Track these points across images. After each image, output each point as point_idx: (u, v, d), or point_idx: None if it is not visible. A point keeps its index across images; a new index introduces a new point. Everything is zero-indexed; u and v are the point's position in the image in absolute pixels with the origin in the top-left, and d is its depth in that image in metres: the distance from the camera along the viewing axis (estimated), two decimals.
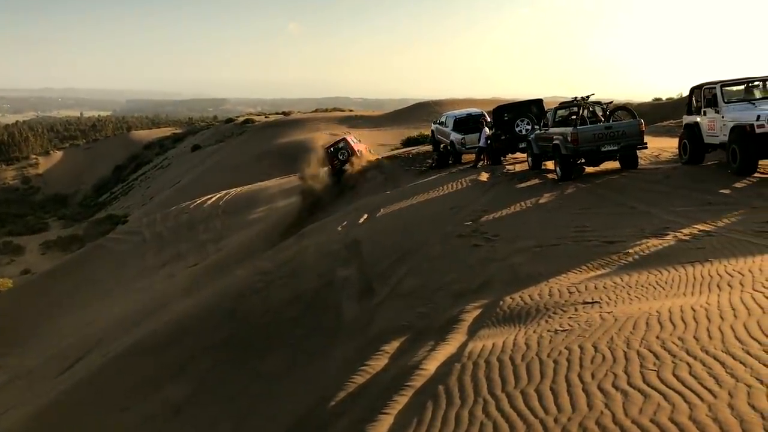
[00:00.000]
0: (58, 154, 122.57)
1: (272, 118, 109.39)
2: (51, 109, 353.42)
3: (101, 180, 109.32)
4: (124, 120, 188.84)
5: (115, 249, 44.66)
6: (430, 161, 25.64)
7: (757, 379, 3.92)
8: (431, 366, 5.65)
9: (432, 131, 26.39)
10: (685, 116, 15.37)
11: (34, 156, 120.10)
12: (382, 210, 17.47)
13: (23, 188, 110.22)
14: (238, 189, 49.28)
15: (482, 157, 21.70)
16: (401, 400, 5.08)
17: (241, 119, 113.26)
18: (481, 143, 21.48)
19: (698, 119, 14.41)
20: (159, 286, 27.95)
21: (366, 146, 31.73)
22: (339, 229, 16.42)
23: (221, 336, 11.18)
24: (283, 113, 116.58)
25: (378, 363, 6.57)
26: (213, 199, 52.51)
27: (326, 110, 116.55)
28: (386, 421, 4.80)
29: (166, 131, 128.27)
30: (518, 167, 19.60)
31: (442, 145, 24.89)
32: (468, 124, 23.18)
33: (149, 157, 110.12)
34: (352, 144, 28.91)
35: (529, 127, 20.03)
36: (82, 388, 13.30)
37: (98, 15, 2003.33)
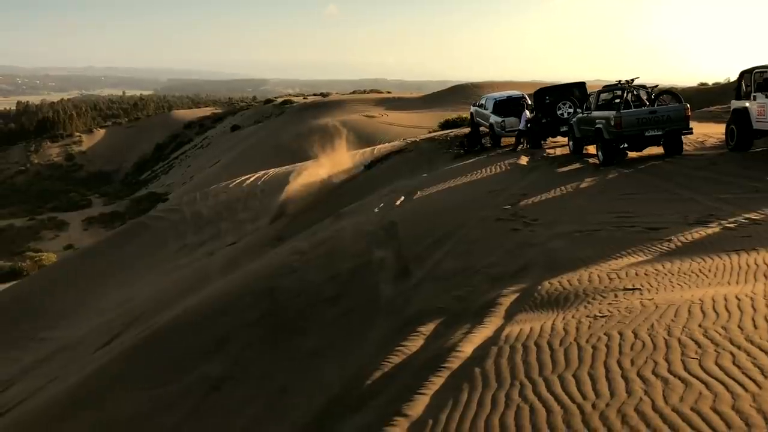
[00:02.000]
0: (100, 132, 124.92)
1: (310, 99, 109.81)
2: (94, 88, 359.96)
3: (142, 158, 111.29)
4: (165, 99, 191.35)
5: (155, 226, 45.47)
6: (459, 145, 25.39)
7: None
8: (467, 348, 5.63)
9: (471, 114, 26.17)
10: (733, 101, 14.97)
11: (77, 134, 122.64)
12: (419, 192, 17.43)
13: (67, 165, 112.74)
14: (277, 169, 49.59)
15: (521, 140, 21.45)
16: (437, 381, 5.07)
17: (280, 100, 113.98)
18: (521, 126, 21.22)
19: (747, 104, 14.02)
20: (198, 264, 28.38)
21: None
22: (376, 210, 16.43)
23: (257, 315, 11.30)
24: (321, 94, 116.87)
25: (414, 344, 6.57)
26: (252, 179, 52.98)
27: (364, 92, 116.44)
28: (422, 401, 4.80)
29: (206, 111, 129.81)
30: (559, 151, 19.35)
31: (481, 128, 24.68)
32: (508, 106, 22.93)
33: (190, 136, 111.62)
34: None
35: (571, 111, 19.72)
36: (121, 362, 13.60)
37: None
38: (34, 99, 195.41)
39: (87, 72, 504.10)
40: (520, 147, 21.35)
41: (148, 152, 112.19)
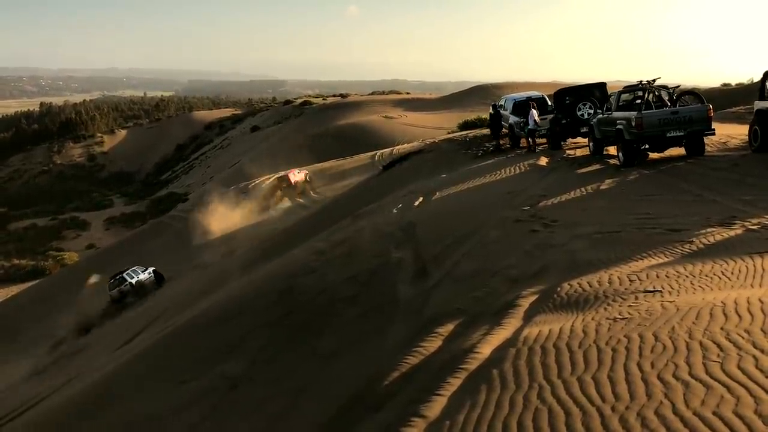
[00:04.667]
0: (122, 133, 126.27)
1: (330, 100, 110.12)
2: (116, 89, 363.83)
3: (163, 158, 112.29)
4: (185, 100, 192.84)
5: (176, 226, 45.77)
6: (487, 145, 25.34)
7: None
8: (486, 350, 5.60)
9: (490, 114, 26.08)
10: (756, 102, 14.79)
11: (99, 134, 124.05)
12: (437, 193, 17.40)
13: (89, 165, 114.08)
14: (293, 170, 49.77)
15: (532, 139, 21.41)
16: (455, 382, 5.05)
17: (300, 101, 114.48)
18: (530, 125, 21.15)
19: None
20: (218, 263, 28.55)
21: (305, 173, 46.57)
22: (394, 211, 16.43)
23: (277, 314, 11.35)
24: (341, 95, 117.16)
25: (432, 345, 6.56)
26: (271, 179, 53.25)
27: (383, 93, 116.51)
28: (440, 402, 4.79)
29: (226, 112, 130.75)
30: (579, 152, 19.23)
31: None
32: (528, 107, 22.83)
33: (210, 137, 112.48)
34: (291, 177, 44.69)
35: (591, 111, 19.59)
36: (142, 360, 13.73)
37: None
38: (58, 100, 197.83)
39: (109, 73, 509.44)
40: (531, 146, 21.26)
41: (169, 153, 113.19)
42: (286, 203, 42.23)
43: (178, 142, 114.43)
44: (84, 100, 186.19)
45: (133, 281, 32.05)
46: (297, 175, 47.05)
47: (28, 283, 50.29)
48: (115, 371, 14.13)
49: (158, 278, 33.37)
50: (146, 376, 12.22)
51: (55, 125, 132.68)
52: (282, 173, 48.00)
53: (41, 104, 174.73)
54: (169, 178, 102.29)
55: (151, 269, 33.69)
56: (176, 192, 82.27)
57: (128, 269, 32.78)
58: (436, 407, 4.73)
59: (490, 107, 26.38)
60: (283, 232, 28.00)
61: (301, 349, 9.40)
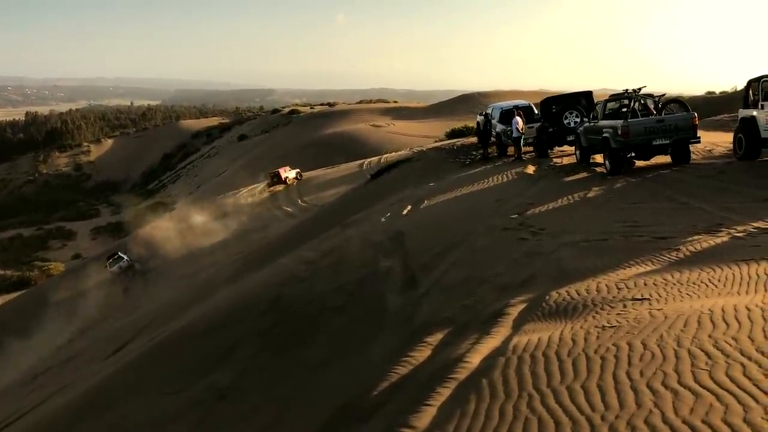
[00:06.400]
0: (108, 142, 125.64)
1: (317, 108, 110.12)
2: (103, 98, 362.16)
3: (150, 168, 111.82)
4: (173, 109, 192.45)
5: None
6: (475, 153, 25.44)
7: None
8: (475, 359, 5.60)
9: (477, 123, 26.18)
10: (741, 110, 14.92)
11: (86, 143, 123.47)
12: (425, 201, 17.43)
13: (75, 175, 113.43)
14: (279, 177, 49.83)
15: (518, 148, 21.50)
16: (444, 392, 5.04)
17: (287, 110, 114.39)
18: (515, 134, 21.23)
19: (755, 113, 13.96)
20: (204, 274, 28.42)
21: (297, 171, 50.99)
22: (383, 220, 16.43)
23: (265, 324, 11.30)
24: (328, 104, 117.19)
25: (421, 354, 6.54)
26: (258, 188, 53.15)
27: (370, 101, 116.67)
28: (429, 412, 4.77)
29: (213, 121, 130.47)
30: (566, 160, 19.32)
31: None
32: (514, 116, 22.97)
33: (197, 146, 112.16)
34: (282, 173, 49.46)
35: (578, 120, 19.71)
36: (130, 370, 13.61)
37: (150, 6, 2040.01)
38: (43, 109, 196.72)
39: (96, 82, 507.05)
40: (518, 155, 21.34)
41: (156, 162, 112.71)
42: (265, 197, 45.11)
43: (165, 151, 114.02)
44: (70, 110, 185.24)
45: (127, 257, 40.24)
46: (288, 172, 50.36)
47: (12, 294, 49.82)
48: (105, 381, 14.00)
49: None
50: (135, 387, 12.11)
51: (40, 134, 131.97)
52: (272, 170, 51.73)
53: (27, 113, 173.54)
54: (156, 187, 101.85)
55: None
56: (163, 201, 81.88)
57: (116, 251, 41.21)
58: (425, 418, 4.71)
59: (477, 115, 26.50)
60: (272, 241, 27.93)
61: (289, 359, 9.36)
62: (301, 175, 50.67)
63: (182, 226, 43.09)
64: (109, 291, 36.53)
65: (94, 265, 42.85)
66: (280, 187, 49.32)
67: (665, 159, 15.62)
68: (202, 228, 41.03)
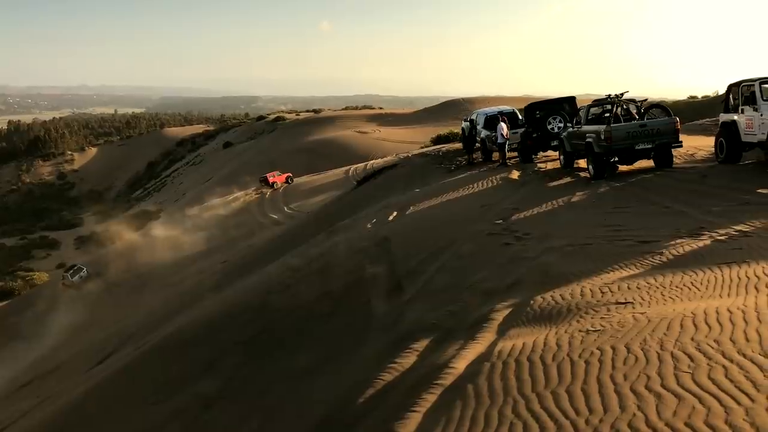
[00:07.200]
0: (93, 151, 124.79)
1: (303, 115, 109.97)
2: (87, 106, 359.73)
3: (135, 176, 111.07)
4: (157, 117, 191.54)
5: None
6: (460, 159, 25.52)
7: None
8: (460, 365, 5.60)
9: (462, 129, 26.26)
10: (721, 114, 15.08)
11: (69, 152, 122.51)
12: (411, 207, 17.44)
13: (59, 184, 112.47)
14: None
15: (502, 153, 21.60)
16: (430, 399, 5.04)
17: (272, 117, 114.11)
18: (499, 139, 21.34)
19: (736, 117, 14.12)
20: (189, 282, 28.26)
21: (285, 175, 52.70)
22: (369, 226, 16.42)
23: (251, 332, 11.25)
24: (314, 111, 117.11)
25: (407, 361, 6.54)
26: (245, 194, 53.00)
27: (356, 108, 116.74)
28: (415, 419, 4.77)
29: (198, 128, 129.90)
30: (550, 165, 19.42)
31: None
32: (498, 121, 23.06)
33: (182, 153, 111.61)
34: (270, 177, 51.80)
35: (561, 125, 19.83)
36: (114, 381, 13.50)
37: (134, 14, 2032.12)
38: (26, 118, 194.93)
39: (80, 91, 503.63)
40: (502, 160, 21.43)
41: (141, 170, 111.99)
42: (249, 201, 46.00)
43: (149, 159, 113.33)
44: (53, 118, 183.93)
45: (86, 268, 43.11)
46: (277, 176, 52.20)
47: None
48: (89, 392, 13.87)
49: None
50: (120, 396, 12.02)
51: (24, 143, 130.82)
52: (261, 176, 53.66)
53: (9, 122, 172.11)
54: (141, 195, 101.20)
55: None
56: (148, 209, 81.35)
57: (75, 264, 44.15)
58: (411, 424, 4.71)
59: (462, 121, 26.58)
60: (258, 248, 27.84)
61: (275, 367, 9.32)
62: (291, 179, 51.82)
63: (167, 234, 43.01)
64: (90, 301, 36.26)
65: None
66: (267, 189, 51.05)
67: (648, 163, 15.74)
68: (186, 236, 40.91)
